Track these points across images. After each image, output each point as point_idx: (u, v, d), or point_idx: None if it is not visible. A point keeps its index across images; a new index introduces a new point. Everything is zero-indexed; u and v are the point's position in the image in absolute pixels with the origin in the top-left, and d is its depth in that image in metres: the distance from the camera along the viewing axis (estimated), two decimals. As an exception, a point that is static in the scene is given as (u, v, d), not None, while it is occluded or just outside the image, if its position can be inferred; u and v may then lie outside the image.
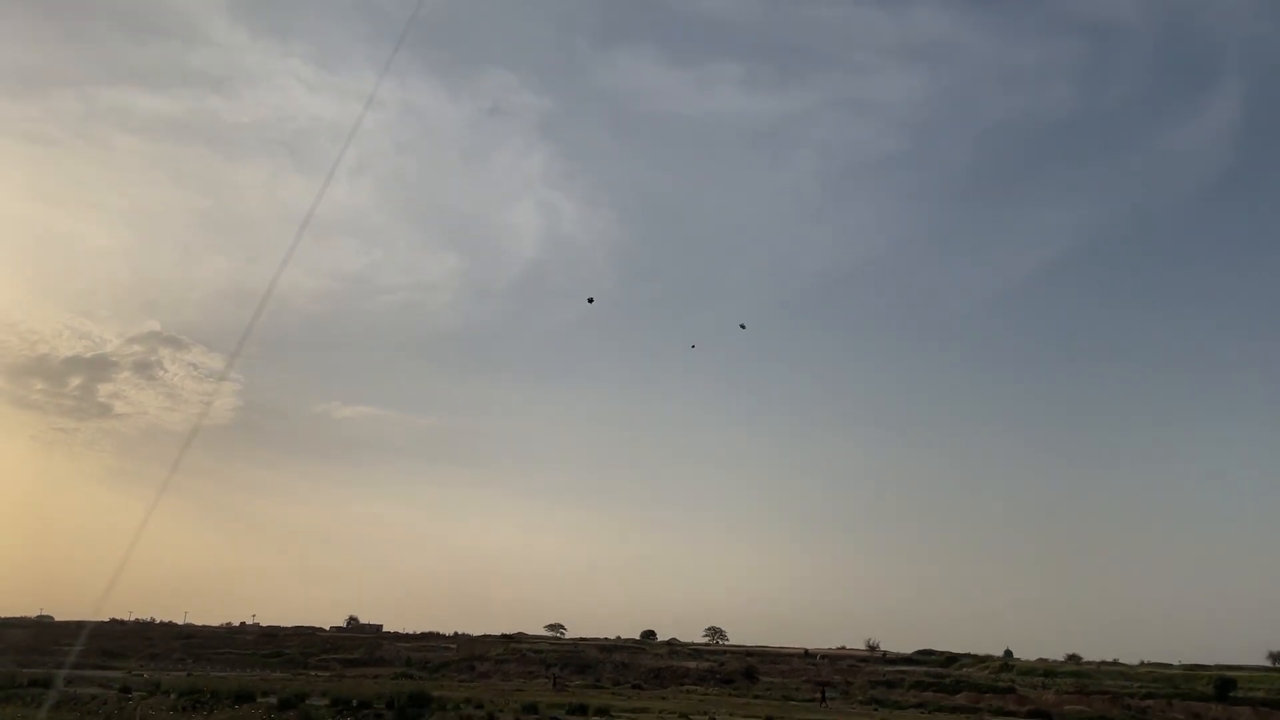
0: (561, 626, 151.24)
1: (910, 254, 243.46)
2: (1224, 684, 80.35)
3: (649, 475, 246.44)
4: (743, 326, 71.32)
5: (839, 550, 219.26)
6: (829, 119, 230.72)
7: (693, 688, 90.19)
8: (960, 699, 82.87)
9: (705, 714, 51.65)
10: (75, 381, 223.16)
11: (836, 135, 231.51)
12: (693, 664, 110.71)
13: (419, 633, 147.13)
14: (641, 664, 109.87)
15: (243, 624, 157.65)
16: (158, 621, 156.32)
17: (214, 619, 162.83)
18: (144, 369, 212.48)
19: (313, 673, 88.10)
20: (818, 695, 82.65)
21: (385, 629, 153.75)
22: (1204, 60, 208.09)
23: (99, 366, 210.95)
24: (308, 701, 44.92)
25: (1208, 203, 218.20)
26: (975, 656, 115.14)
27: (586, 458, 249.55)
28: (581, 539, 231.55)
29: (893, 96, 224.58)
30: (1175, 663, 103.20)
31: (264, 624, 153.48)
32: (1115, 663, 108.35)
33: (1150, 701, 78.73)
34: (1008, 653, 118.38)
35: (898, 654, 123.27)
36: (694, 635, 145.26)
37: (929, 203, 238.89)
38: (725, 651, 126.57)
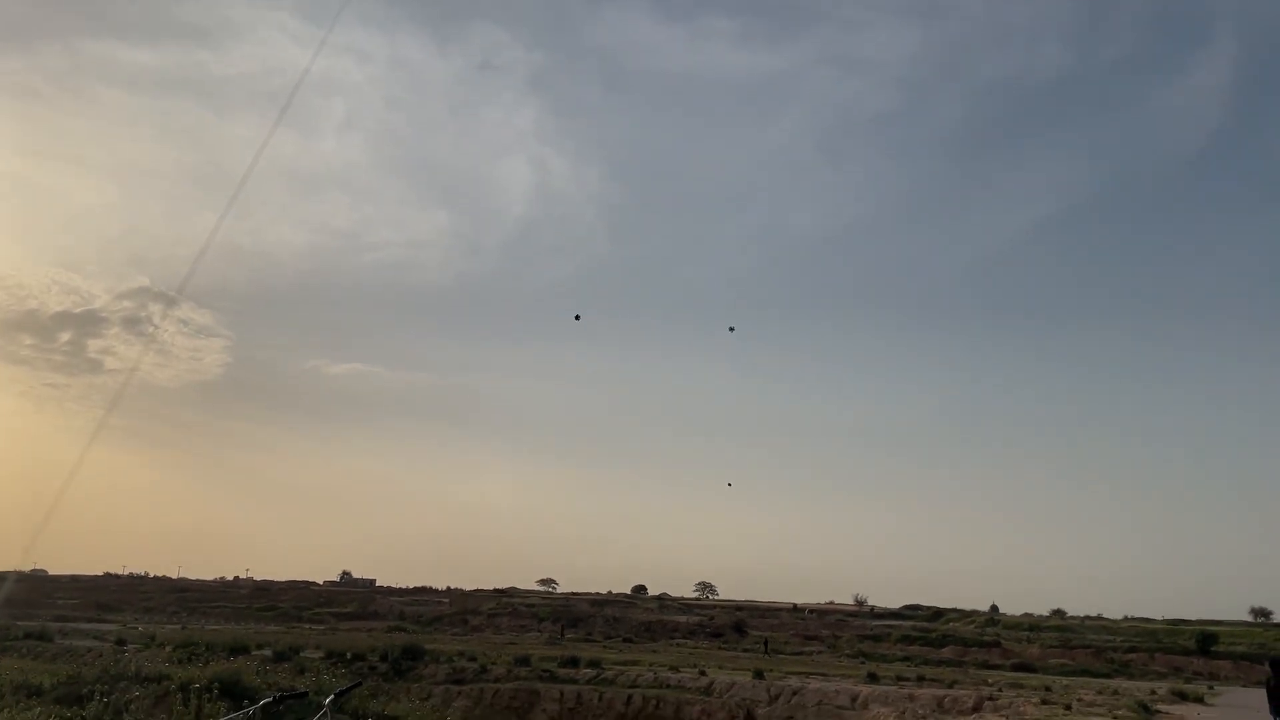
0: (553, 581, 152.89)
1: (901, 212, 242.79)
2: (1206, 638, 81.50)
3: (639, 433, 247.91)
4: (731, 329, 70.99)
5: (827, 507, 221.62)
6: (820, 76, 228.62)
7: (683, 641, 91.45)
8: (946, 652, 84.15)
9: (695, 666, 52.30)
10: (64, 337, 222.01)
11: (828, 93, 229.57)
12: (683, 618, 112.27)
13: (412, 587, 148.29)
14: (632, 618, 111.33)
15: (236, 578, 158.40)
16: (151, 575, 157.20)
17: (208, 573, 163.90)
18: (133, 325, 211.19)
19: (306, 626, 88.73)
20: (760, 645, 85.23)
21: (378, 584, 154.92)
22: (1196, 20, 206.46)
23: (88, 322, 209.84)
24: (302, 654, 45.40)
25: (1199, 162, 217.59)
26: (961, 611, 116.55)
27: (577, 415, 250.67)
28: (573, 495, 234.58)
29: (885, 54, 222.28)
30: (1158, 617, 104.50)
31: (258, 578, 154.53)
32: (1099, 617, 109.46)
33: (1133, 655, 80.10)
34: (993, 608, 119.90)
35: (885, 609, 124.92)
36: (684, 590, 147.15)
37: (920, 161, 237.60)
38: (715, 606, 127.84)
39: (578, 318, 73.52)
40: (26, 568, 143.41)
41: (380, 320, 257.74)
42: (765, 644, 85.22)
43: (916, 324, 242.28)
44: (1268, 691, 20.20)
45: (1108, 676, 63.00)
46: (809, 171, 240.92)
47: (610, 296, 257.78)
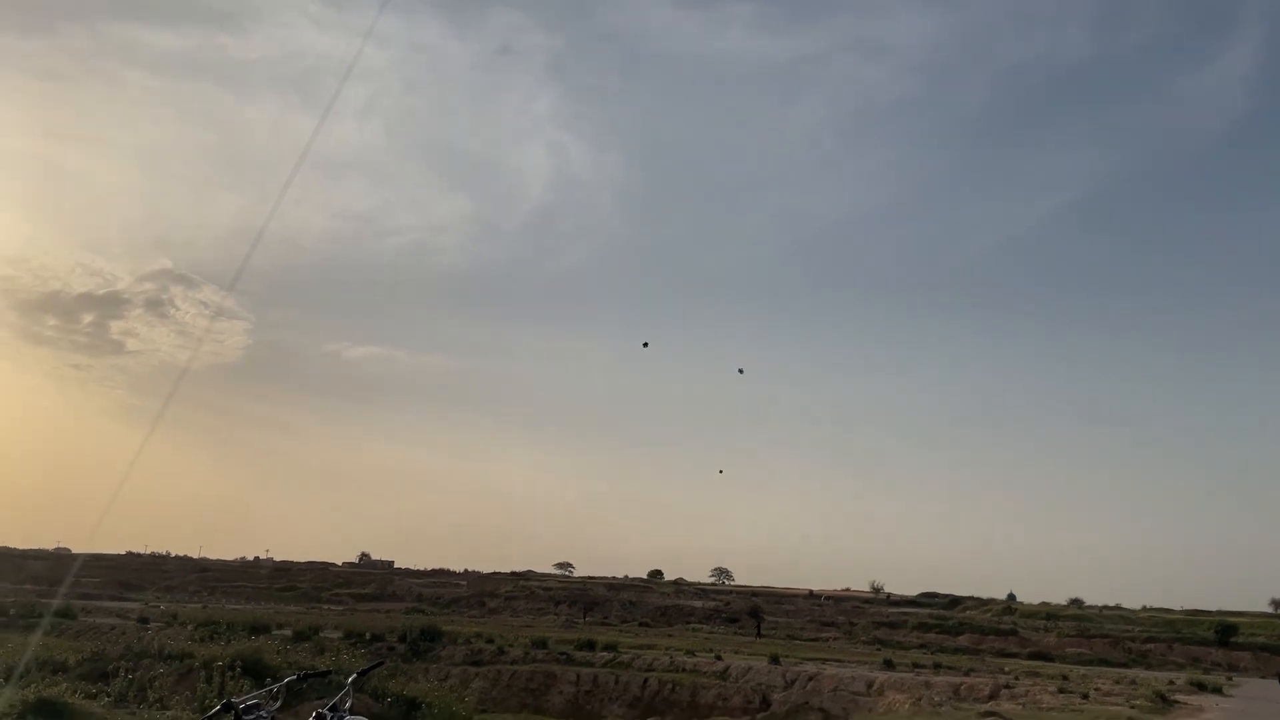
0: (570, 565, 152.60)
1: (923, 199, 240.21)
2: (1225, 629, 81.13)
3: (656, 418, 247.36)
4: (740, 371, 71.32)
5: (845, 493, 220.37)
6: (841, 61, 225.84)
7: (698, 626, 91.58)
8: (963, 641, 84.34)
9: (710, 651, 52.49)
10: (88, 318, 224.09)
11: (849, 78, 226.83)
12: (699, 603, 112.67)
13: (430, 569, 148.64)
14: (649, 603, 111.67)
15: (257, 559, 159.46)
16: (173, 555, 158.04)
17: (228, 553, 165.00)
18: (155, 306, 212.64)
19: (325, 607, 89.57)
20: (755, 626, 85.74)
21: (396, 565, 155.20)
22: (1222, 3, 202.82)
23: (111, 304, 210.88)
24: (321, 634, 45.81)
25: (1226, 147, 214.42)
26: (978, 599, 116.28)
27: (594, 399, 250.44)
28: (590, 480, 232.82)
29: (906, 39, 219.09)
30: (1177, 608, 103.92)
31: (278, 559, 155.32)
32: (1117, 607, 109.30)
33: (1151, 645, 79.74)
34: (1010, 596, 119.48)
35: (901, 596, 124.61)
36: (700, 575, 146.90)
37: (943, 147, 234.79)
38: (731, 591, 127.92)
39: (646, 345, 72.61)
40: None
41: (400, 304, 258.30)
42: (758, 626, 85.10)
43: (936, 311, 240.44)
44: None
45: (1125, 666, 63.00)
46: (829, 157, 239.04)
47: (628, 282, 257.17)
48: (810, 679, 43.46)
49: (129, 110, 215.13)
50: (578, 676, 46.06)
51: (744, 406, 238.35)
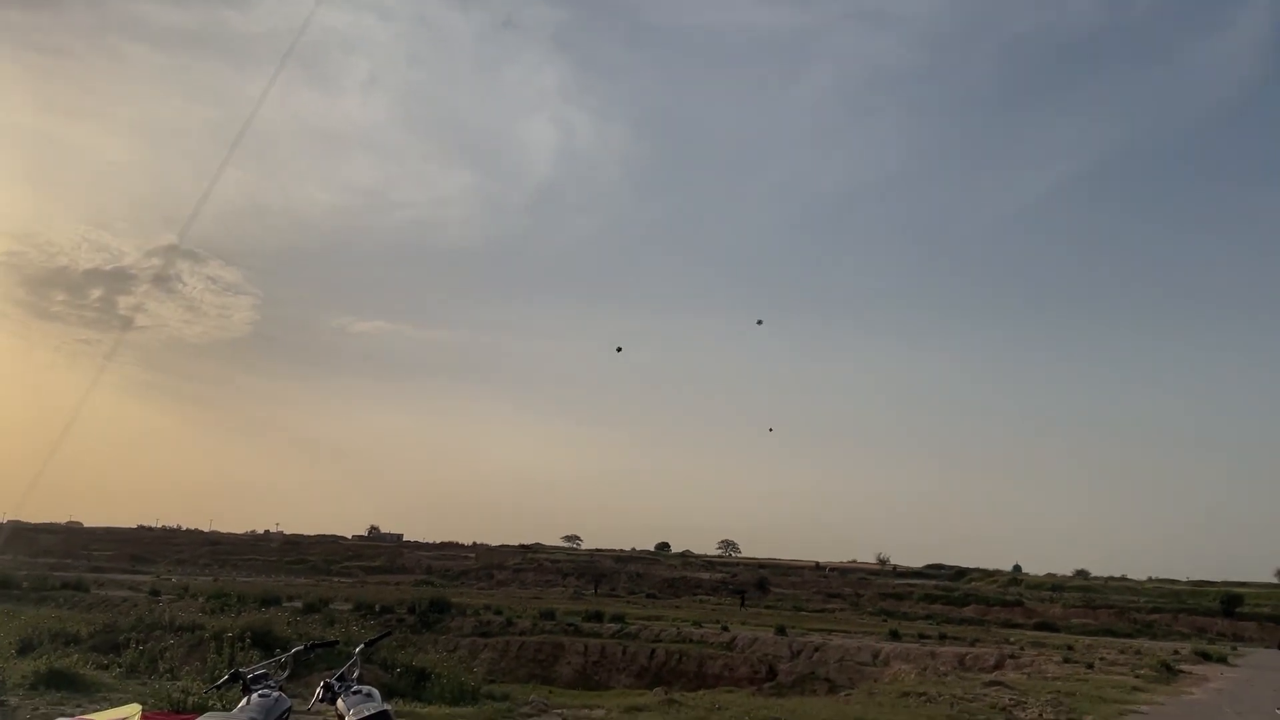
0: (578, 538, 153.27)
1: (930, 170, 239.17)
2: (1230, 599, 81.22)
3: (663, 392, 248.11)
4: (759, 323, 69.85)
5: (851, 465, 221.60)
6: (848, 32, 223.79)
7: (705, 598, 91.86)
8: (968, 612, 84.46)
9: (717, 622, 52.80)
10: (95, 294, 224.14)
11: (855, 49, 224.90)
12: (706, 575, 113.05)
13: (438, 542, 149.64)
14: (656, 575, 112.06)
15: (267, 532, 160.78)
16: (184, 528, 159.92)
17: (239, 527, 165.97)
18: (162, 282, 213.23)
19: (335, 579, 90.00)
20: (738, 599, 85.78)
21: (405, 538, 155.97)
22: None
23: (118, 279, 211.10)
24: (331, 606, 46.16)
25: (1236, 116, 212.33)
26: (984, 571, 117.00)
27: (601, 374, 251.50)
28: (597, 453, 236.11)
29: (913, 8, 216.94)
30: (1183, 579, 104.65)
31: (288, 532, 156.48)
32: (1123, 578, 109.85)
33: (1157, 615, 79.87)
34: (1016, 568, 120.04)
35: (907, 568, 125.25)
36: (707, 548, 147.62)
37: (950, 118, 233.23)
38: (737, 564, 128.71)
39: (619, 349, 72.34)
40: (63, 519, 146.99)
41: (405, 278, 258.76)
42: (742, 597, 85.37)
43: (943, 281, 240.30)
44: None
45: (1130, 637, 62.84)
46: (836, 128, 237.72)
47: (634, 255, 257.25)
48: (816, 649, 43.76)
49: (134, 85, 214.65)
50: (585, 647, 46.40)
51: (751, 379, 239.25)
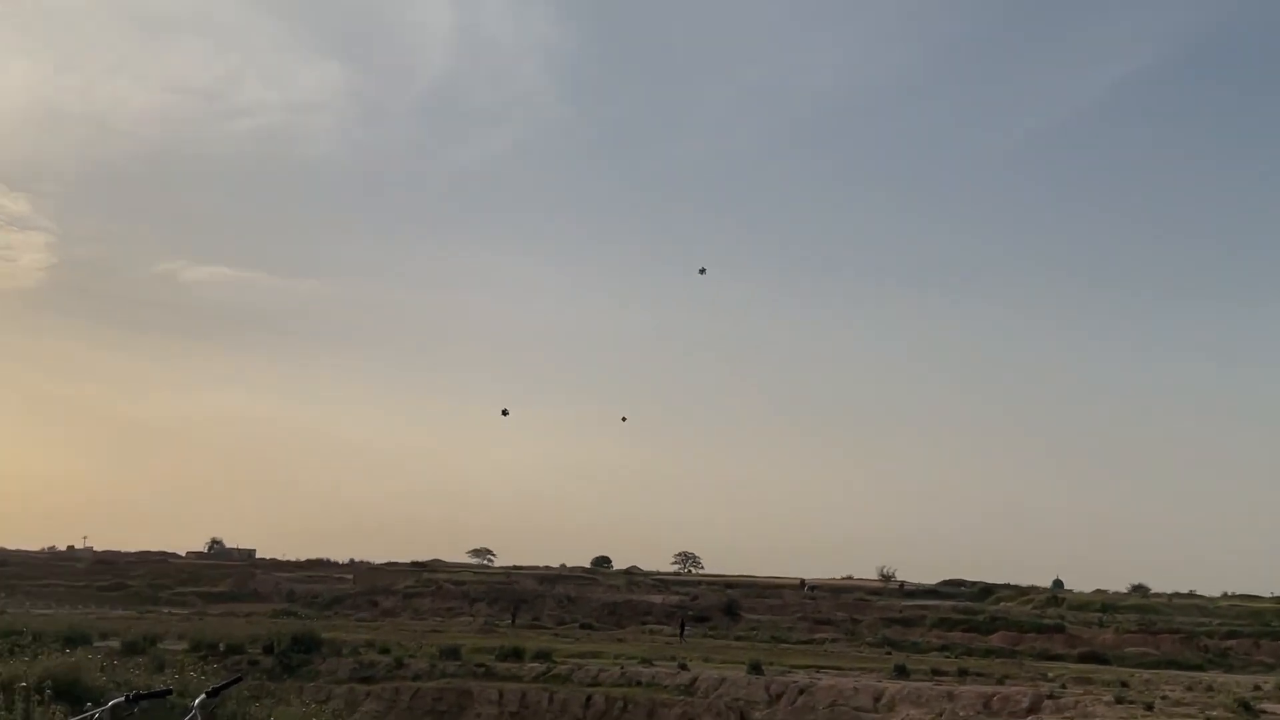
0: (489, 552, 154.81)
1: (943, 72, 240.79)
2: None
3: (598, 361, 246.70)
4: (702, 271, 70.44)
5: (843, 455, 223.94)
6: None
7: (657, 626, 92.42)
8: (996, 640, 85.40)
9: (673, 659, 53.24)
10: None
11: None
12: (658, 598, 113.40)
13: (303, 560, 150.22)
14: (593, 598, 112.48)
15: (71, 548, 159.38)
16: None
17: (32, 542, 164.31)
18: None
19: (165, 610, 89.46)
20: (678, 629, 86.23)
21: (259, 555, 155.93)
22: None
23: None
24: (160, 645, 45.68)
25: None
26: (1016, 588, 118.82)
27: (518, 337, 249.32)
28: (516, 444, 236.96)
29: None
30: (1265, 594, 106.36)
31: (99, 549, 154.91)
32: (1191, 594, 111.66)
33: (1233, 642, 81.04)
34: (1057, 583, 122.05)
35: (918, 585, 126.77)
36: (660, 563, 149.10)
37: (967, 6, 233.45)
38: (699, 582, 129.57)
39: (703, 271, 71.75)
40: None
41: (254, 209, 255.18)
42: (682, 627, 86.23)
43: (960, 217, 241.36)
44: None
45: (1200, 669, 64.02)
46: (825, 20, 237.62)
47: (564, 178, 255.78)
48: (801, 691, 44.36)
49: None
50: (500, 694, 46.56)
51: (711, 347, 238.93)
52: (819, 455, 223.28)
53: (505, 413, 76.24)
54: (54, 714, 15.20)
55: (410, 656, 51.06)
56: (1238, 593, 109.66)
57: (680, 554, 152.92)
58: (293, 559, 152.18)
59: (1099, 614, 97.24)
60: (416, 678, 47.96)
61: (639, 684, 47.23)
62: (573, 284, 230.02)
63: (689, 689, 46.32)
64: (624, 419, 78.32)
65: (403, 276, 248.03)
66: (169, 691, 10.58)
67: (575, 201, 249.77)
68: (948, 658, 64.76)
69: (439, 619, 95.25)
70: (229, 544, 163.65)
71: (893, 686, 44.31)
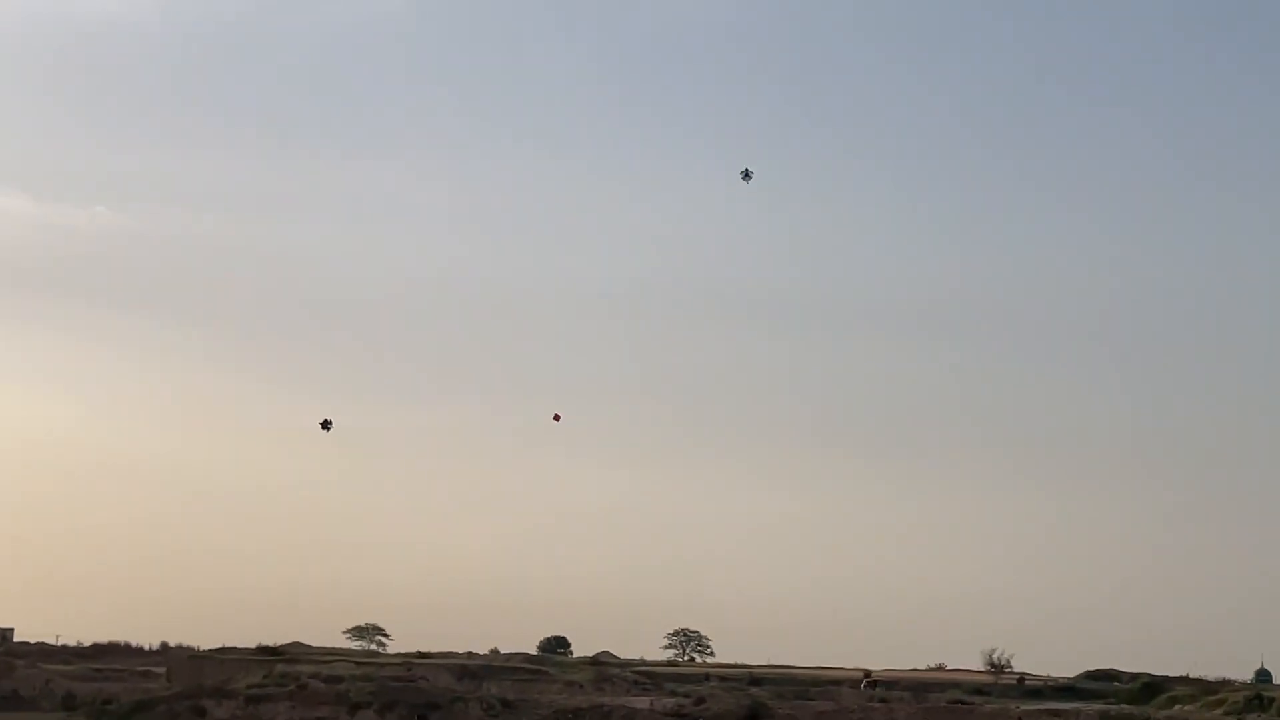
0: (380, 632, 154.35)
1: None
2: None
3: (530, 339, 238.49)
4: (747, 175, 69.35)
5: (928, 493, 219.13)
6: None
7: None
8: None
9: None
10: None
11: None
12: (643, 701, 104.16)
13: (89, 645, 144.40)
14: (541, 703, 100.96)
15: None
16: None
17: None
18: None
19: None
20: None
21: (18, 638, 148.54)
22: None
23: None
24: None
25: None
26: (1199, 682, 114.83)
27: (398, 303, 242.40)
28: (417, 467, 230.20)
29: None
30: None
31: None
32: None
33: None
34: (1262, 674, 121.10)
35: (1044, 679, 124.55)
36: (645, 648, 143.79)
37: None
38: (706, 676, 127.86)
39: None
40: None
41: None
42: None
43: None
44: None
45: None
46: None
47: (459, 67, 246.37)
48: None
49: None
50: None
51: (714, 323, 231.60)
52: (891, 490, 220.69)
53: (326, 425, 77.55)
54: None
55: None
56: None
57: (677, 632, 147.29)
58: (73, 644, 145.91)
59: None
60: None
61: None
62: (474, 211, 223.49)
63: None
64: (556, 417, 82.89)
65: (203, 208, 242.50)
66: None
67: (473, 96, 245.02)
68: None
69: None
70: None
71: None
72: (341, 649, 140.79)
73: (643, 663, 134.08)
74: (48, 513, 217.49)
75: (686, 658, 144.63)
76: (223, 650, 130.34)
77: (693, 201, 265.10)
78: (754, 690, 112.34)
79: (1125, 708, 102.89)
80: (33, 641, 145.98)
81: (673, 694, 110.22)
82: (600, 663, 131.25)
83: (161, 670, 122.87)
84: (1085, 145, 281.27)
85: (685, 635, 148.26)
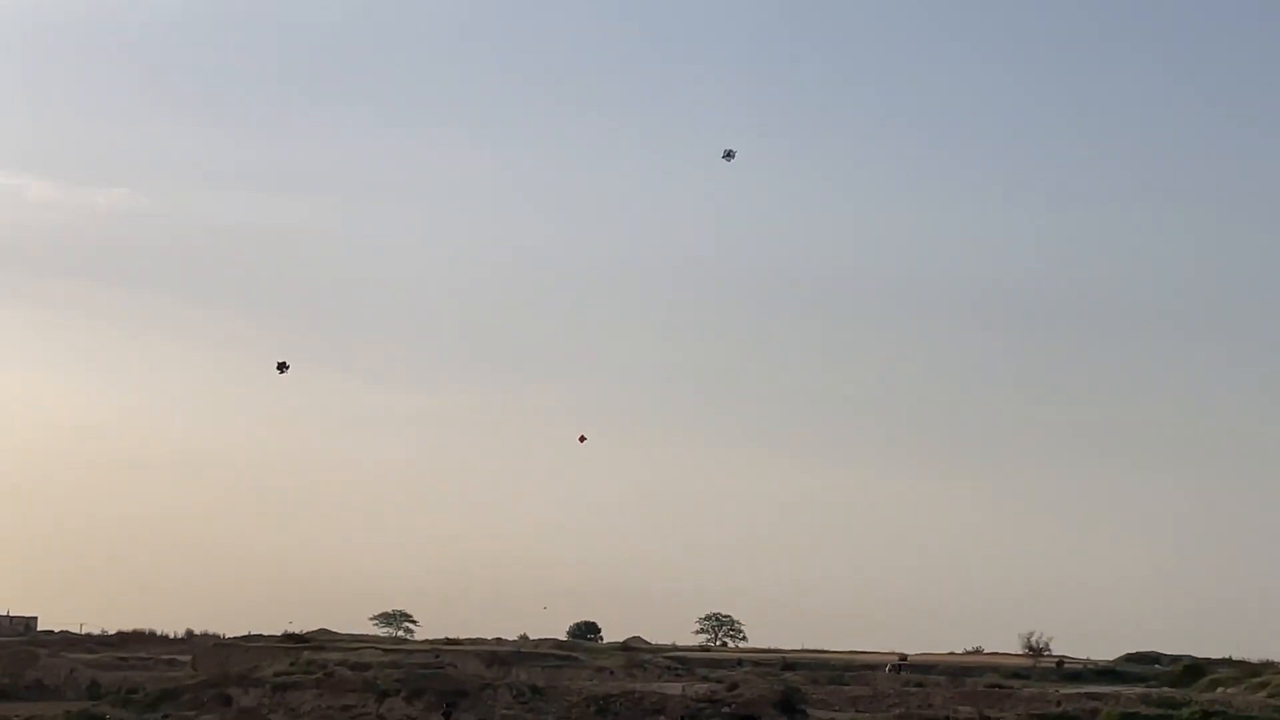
0: (408, 618, 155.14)
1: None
2: None
3: (558, 324, 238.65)
4: (729, 155, 69.44)
5: (963, 478, 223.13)
6: None
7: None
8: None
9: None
10: None
11: None
12: (674, 687, 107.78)
13: (113, 634, 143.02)
14: (571, 688, 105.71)
15: None
16: None
17: None
18: None
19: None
20: None
21: (42, 627, 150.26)
22: None
23: None
24: None
25: None
26: (1242, 664, 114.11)
27: (400, 282, 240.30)
28: (441, 454, 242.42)
29: None
30: None
31: None
32: None
33: None
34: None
35: (1082, 661, 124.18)
36: (677, 632, 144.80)
37: None
38: (739, 661, 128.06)
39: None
40: None
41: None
42: None
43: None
44: None
45: None
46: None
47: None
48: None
49: None
50: None
51: (749, 303, 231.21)
52: (921, 472, 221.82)
53: (283, 367, 78.72)
54: None
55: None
56: None
57: (709, 617, 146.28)
58: (97, 632, 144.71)
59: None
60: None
61: None
62: (484, 190, 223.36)
63: None
64: (582, 439, 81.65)
65: (174, 179, 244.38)
66: None
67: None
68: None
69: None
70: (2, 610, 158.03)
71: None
72: (369, 636, 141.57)
73: (674, 648, 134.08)
74: (71, 501, 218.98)
75: (719, 643, 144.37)
76: (249, 638, 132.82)
77: (725, 187, 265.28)
78: (787, 675, 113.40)
79: (1167, 690, 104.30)
80: (56, 630, 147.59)
81: (705, 679, 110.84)
82: (631, 648, 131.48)
83: (187, 658, 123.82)
84: (1126, 131, 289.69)
85: (717, 620, 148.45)
